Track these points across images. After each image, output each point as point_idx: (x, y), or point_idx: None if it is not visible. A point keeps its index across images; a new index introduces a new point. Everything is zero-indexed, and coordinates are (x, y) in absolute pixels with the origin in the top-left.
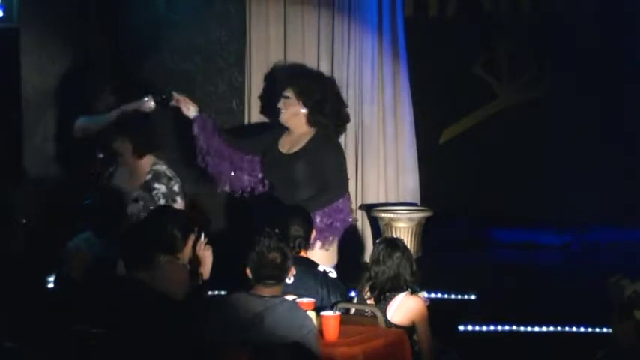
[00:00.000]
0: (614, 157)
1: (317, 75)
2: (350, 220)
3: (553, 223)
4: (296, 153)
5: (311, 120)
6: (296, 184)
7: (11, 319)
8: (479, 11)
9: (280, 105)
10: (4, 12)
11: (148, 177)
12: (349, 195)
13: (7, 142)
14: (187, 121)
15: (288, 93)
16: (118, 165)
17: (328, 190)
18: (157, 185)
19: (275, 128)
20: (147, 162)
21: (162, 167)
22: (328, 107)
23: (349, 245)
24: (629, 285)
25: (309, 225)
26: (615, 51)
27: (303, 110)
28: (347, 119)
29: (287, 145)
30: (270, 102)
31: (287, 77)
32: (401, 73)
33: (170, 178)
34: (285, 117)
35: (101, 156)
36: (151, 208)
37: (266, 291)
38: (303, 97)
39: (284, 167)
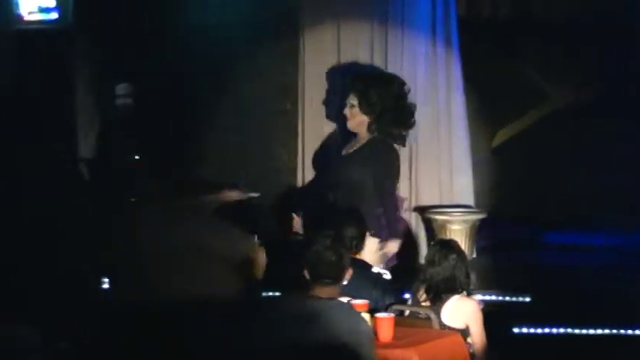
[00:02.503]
0: None
1: (377, 77)
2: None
3: (605, 224)
4: (350, 154)
5: (372, 127)
6: (350, 186)
7: (66, 320)
8: (531, 13)
9: (347, 112)
10: (59, 14)
11: None
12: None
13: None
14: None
15: (353, 101)
16: None
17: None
18: None
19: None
20: None
21: None
22: (389, 114)
23: (403, 247)
24: None
25: (363, 226)
26: None
27: (366, 117)
28: (406, 124)
29: (348, 147)
30: (322, 102)
31: (349, 82)
32: (454, 74)
33: None
34: (353, 124)
35: None
36: None
37: (323, 292)
38: (365, 105)
39: (341, 168)
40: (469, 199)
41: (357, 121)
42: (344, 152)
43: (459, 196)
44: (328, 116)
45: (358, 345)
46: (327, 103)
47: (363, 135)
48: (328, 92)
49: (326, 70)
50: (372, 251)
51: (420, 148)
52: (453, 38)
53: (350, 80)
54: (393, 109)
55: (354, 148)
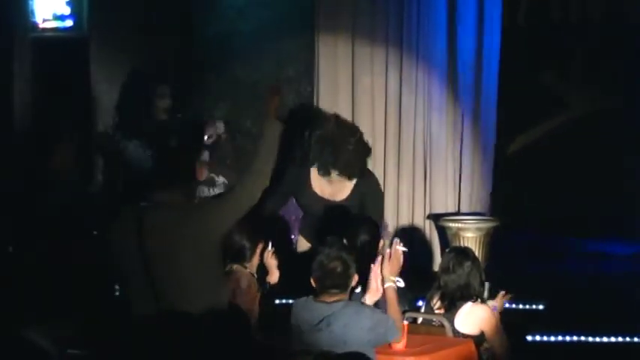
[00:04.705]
0: None
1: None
2: None
3: (623, 232)
4: (344, 200)
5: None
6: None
7: (81, 327)
8: (548, 20)
9: (336, 183)
10: (74, 21)
11: None
12: None
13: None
14: None
15: (334, 177)
16: None
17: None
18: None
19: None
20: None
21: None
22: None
23: (417, 255)
24: None
25: (376, 232)
26: None
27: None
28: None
29: (327, 190)
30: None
31: (328, 163)
32: None
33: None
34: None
35: None
36: None
37: (331, 299)
38: (347, 175)
39: (332, 212)
40: (485, 206)
41: (341, 185)
42: (327, 196)
43: (474, 203)
44: None
45: (369, 341)
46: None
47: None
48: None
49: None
50: None
51: (435, 154)
52: None
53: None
54: (354, 152)
55: (345, 194)
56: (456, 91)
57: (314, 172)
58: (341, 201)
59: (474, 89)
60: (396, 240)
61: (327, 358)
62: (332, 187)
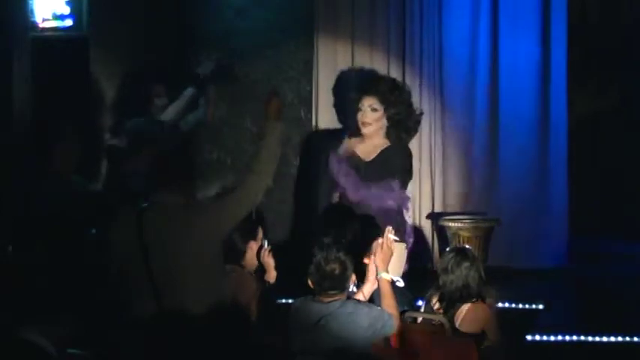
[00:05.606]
0: None
1: (394, 82)
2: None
3: (623, 232)
4: (372, 161)
5: (390, 134)
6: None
7: (81, 327)
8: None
9: (366, 117)
10: (73, 21)
11: None
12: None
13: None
14: None
15: (376, 105)
16: None
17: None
18: None
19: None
20: None
21: None
22: (403, 120)
23: (417, 254)
24: None
25: (375, 229)
26: None
27: (385, 123)
28: (415, 130)
29: (360, 154)
30: (337, 111)
31: (368, 86)
32: None
33: None
34: (372, 129)
35: None
36: None
37: (329, 299)
38: (390, 108)
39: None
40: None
41: (378, 125)
42: (359, 159)
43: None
44: (341, 126)
45: (368, 338)
46: (338, 112)
47: (378, 141)
48: (340, 101)
49: (339, 79)
50: (400, 258)
51: (447, 154)
52: None
53: (371, 83)
54: (406, 115)
55: (374, 154)
56: (495, 90)
57: (347, 141)
58: (371, 160)
59: (541, 87)
60: (389, 228)
61: (340, 357)
62: (363, 148)
